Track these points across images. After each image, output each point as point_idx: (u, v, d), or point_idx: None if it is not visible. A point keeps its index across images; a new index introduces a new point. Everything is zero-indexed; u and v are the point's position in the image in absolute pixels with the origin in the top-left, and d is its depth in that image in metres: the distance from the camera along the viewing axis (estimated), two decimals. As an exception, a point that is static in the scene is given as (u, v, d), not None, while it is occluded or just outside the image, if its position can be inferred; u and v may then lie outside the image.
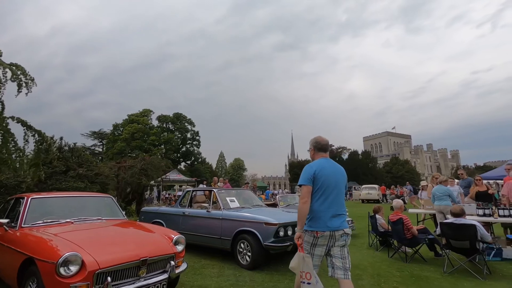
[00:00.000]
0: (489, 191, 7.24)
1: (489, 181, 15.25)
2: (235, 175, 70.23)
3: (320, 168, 2.75)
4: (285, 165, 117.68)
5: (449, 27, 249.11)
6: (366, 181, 42.57)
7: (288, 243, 4.62)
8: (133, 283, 2.81)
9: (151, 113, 49.62)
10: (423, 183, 10.11)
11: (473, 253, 4.48)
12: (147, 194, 24.93)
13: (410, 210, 7.88)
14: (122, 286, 2.74)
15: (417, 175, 62.90)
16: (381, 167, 66.82)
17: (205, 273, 4.56)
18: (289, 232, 4.79)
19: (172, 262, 3.18)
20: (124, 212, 4.60)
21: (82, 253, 2.63)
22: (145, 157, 13.37)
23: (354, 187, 31.96)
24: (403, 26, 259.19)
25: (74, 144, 12.40)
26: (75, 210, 4.01)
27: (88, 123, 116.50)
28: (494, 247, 5.29)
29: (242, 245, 4.90)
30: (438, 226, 5.05)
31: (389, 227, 5.85)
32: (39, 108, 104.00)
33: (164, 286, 3.06)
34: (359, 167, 55.16)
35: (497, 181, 13.83)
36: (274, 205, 8.58)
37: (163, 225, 6.04)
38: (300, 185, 2.76)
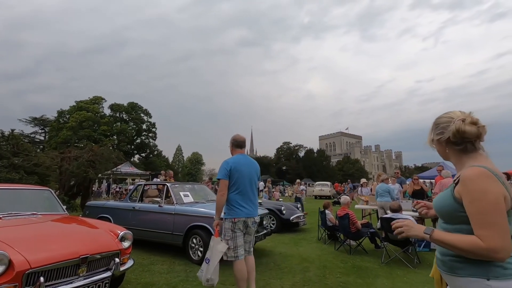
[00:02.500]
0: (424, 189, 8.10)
1: (425, 180, 17.05)
2: (192, 169, 68.80)
3: (236, 163, 3.14)
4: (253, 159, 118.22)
5: (399, 38, 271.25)
6: (320, 178, 44.67)
7: (241, 238, 4.67)
8: (71, 283, 2.61)
9: (103, 101, 46.28)
10: (362, 180, 10.94)
11: (407, 245, 4.97)
12: (95, 187, 23.31)
13: (356, 206, 8.46)
14: (58, 287, 2.53)
15: (366, 174, 67.69)
16: (334, 165, 70.60)
17: (154, 269, 4.41)
18: (242, 227, 4.83)
19: (117, 259, 3.02)
20: (65, 207, 4.24)
21: (10, 252, 2.37)
22: (94, 148, 12.43)
23: (309, 184, 33.32)
24: (359, 33, 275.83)
25: (12, 130, 11.05)
26: (5, 204, 3.59)
27: (28, 108, 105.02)
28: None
29: (194, 240, 4.83)
30: (379, 221, 5.52)
31: (337, 222, 6.22)
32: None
33: (107, 285, 2.89)
34: (314, 164, 57.67)
35: (431, 180, 15.52)
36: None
37: (110, 221, 5.70)
38: (218, 179, 3.13)
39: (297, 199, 12.30)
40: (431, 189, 12.31)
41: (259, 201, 8.89)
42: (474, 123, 1.24)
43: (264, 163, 61.98)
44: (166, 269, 4.44)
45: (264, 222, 5.67)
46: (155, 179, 10.36)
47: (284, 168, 59.55)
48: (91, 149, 12.13)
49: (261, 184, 32.59)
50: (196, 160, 71.63)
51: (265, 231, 5.39)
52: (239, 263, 3.03)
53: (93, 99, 45.03)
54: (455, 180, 1.24)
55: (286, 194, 29.60)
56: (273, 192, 16.64)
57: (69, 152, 11.77)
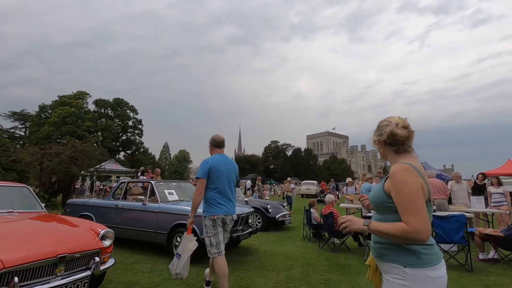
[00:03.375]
0: None
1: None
2: (179, 167, 68.05)
3: (215, 163, 3.23)
4: (232, 158, 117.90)
5: (386, 41, 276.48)
6: (307, 177, 45.06)
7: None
8: (48, 283, 2.52)
9: (87, 96, 45.11)
10: (348, 179, 11.11)
11: (388, 243, 5.09)
12: (78, 184, 22.72)
13: (341, 205, 8.58)
14: (33, 286, 2.45)
15: (352, 173, 68.82)
16: (321, 164, 71.40)
17: (137, 268, 4.34)
18: (227, 225, 4.82)
19: (97, 258, 2.95)
20: (43, 205, 4.11)
21: (-18, 251, 2.27)
22: (76, 144, 12.09)
23: (296, 183, 33.57)
24: (348, 34, 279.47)
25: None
26: (-21, 202, 3.45)
27: (7, 102, 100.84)
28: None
29: (178, 238, 4.77)
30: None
31: (321, 220, 6.29)
32: None
33: (86, 284, 2.82)
34: (301, 163, 58.13)
35: None
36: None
37: (92, 219, 5.57)
38: (197, 178, 3.22)
39: (287, 198, 12.38)
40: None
41: (245, 199, 8.92)
42: (405, 127, 1.39)
43: (252, 162, 61.98)
44: (149, 268, 4.38)
45: (250, 221, 5.67)
46: (141, 177, 10.21)
47: (271, 167, 59.72)
48: (74, 145, 11.81)
49: (248, 182, 32.68)
50: (183, 158, 70.87)
51: (250, 230, 5.39)
52: (221, 259, 3.10)
53: (77, 94, 43.78)
54: (386, 176, 1.41)
55: (273, 192, 29.70)
56: (263, 191, 16.73)
57: (50, 148, 11.39)
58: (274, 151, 67.60)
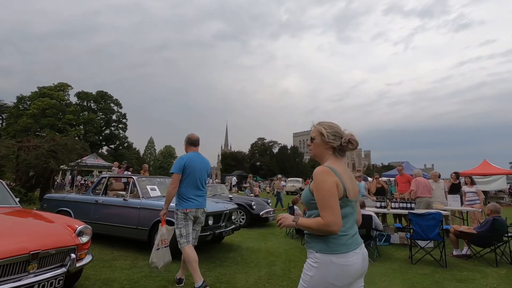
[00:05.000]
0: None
1: (389, 178, 17.98)
2: (164, 162, 67.06)
3: (189, 160, 3.47)
4: (218, 155, 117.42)
5: (372, 42, 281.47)
6: (293, 174, 45.50)
7: (208, 233, 4.62)
8: (19, 280, 2.44)
9: (69, 88, 43.68)
10: None
11: (368, 239, 5.20)
12: (58, 179, 22.01)
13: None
14: (3, 284, 2.35)
15: (336, 171, 69.81)
16: (307, 162, 72.14)
17: (116, 265, 4.26)
18: (210, 222, 4.80)
19: (73, 255, 2.87)
20: (18, 199, 3.95)
21: None
22: (56, 137, 11.69)
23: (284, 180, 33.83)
24: (335, 34, 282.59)
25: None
26: None
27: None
28: (384, 234, 6.24)
29: (160, 235, 4.71)
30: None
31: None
32: None
33: (61, 282, 2.74)
34: (287, 161, 58.58)
35: (390, 178, 16.45)
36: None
37: (70, 215, 5.42)
38: (172, 173, 3.44)
39: (278, 194, 12.44)
40: (392, 186, 13.01)
41: (229, 196, 8.91)
42: (355, 140, 1.57)
43: (238, 159, 61.94)
44: (129, 264, 4.31)
45: (233, 217, 5.67)
46: (125, 172, 10.03)
47: (258, 164, 59.87)
48: (53, 138, 11.41)
49: (234, 179, 32.59)
50: (169, 154, 69.84)
51: (233, 226, 5.39)
52: (189, 247, 3.36)
53: (58, 86, 42.31)
54: (311, 177, 1.55)
55: (262, 190, 29.81)
56: (253, 188, 16.91)
57: (27, 141, 10.97)
58: (261, 148, 67.74)
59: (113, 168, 10.66)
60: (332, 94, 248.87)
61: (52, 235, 2.92)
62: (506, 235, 5.06)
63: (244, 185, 34.73)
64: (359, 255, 1.48)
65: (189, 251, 3.33)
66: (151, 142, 73.39)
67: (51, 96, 39.55)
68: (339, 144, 1.56)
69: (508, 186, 21.37)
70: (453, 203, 7.28)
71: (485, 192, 14.66)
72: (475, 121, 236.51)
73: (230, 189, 26.39)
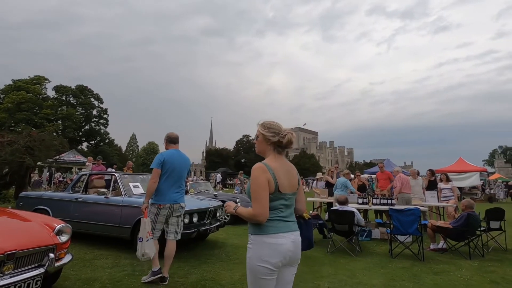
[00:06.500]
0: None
1: (371, 175, 18.46)
2: (147, 159, 65.80)
3: (169, 156, 3.58)
4: (203, 152, 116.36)
5: (356, 41, 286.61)
6: (277, 171, 45.65)
7: (193, 230, 4.60)
8: (-7, 282, 2.34)
9: (46, 81, 41.90)
10: (319, 175, 11.44)
11: (351, 235, 5.33)
12: (34, 176, 21.13)
13: (308, 199, 8.83)
14: (-24, 286, 2.25)
15: (320, 168, 70.98)
16: (291, 159, 72.79)
17: (97, 264, 4.15)
18: (194, 219, 4.77)
19: (51, 255, 2.77)
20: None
21: None
22: (32, 133, 11.21)
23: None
24: (321, 33, 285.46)
25: None
26: None
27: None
28: (366, 229, 6.41)
29: (143, 233, 4.64)
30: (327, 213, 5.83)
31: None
32: None
33: (39, 282, 2.65)
34: (272, 158, 58.74)
35: (371, 175, 16.92)
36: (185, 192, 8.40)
37: (48, 213, 5.23)
38: (151, 168, 3.55)
39: None
40: (373, 182, 13.36)
41: (214, 193, 8.87)
42: (294, 137, 1.75)
43: (223, 155, 61.68)
44: (111, 263, 4.21)
45: (218, 214, 5.65)
46: (109, 169, 9.76)
47: (243, 160, 59.84)
48: (29, 133, 10.92)
49: (218, 176, 32.44)
50: (152, 150, 68.69)
51: (218, 223, 5.38)
52: (156, 242, 3.51)
53: (34, 79, 40.50)
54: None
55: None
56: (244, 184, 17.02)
57: (1, 136, 10.44)
58: (246, 145, 67.67)
59: (87, 163, 10.28)
60: (318, 92, 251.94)
61: (28, 234, 2.81)
62: (479, 229, 5.33)
63: (229, 182, 34.71)
64: (289, 239, 1.65)
65: (154, 246, 3.48)
66: (133, 139, 71.88)
67: (27, 90, 37.82)
68: (277, 140, 1.72)
69: (481, 183, 22.46)
70: (431, 199, 7.59)
71: (460, 188, 15.36)
72: (452, 121, 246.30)
73: (215, 186, 26.27)
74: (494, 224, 5.59)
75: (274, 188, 1.63)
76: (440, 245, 5.47)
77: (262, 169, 1.64)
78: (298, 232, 1.75)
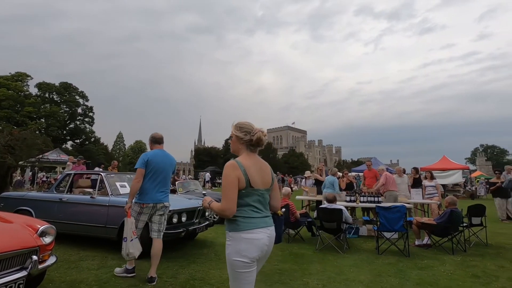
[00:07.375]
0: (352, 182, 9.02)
1: (358, 173, 18.77)
2: (135, 158, 64.69)
3: (153, 156, 3.62)
4: (191, 151, 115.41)
5: (344, 41, 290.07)
6: (266, 170, 45.75)
7: (181, 230, 4.56)
8: (-27, 286, 2.25)
9: (28, 78, 40.55)
10: (307, 173, 11.55)
11: (339, 232, 5.41)
12: (16, 176, 20.46)
13: (297, 197, 8.91)
14: (-46, 291, 2.16)
15: (309, 166, 71.59)
16: (280, 157, 73.12)
17: (83, 265, 4.06)
18: (183, 219, 4.73)
19: (35, 257, 2.69)
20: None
21: None
22: (14, 131, 10.85)
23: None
24: (310, 32, 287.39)
25: None
26: None
27: None
28: (353, 227, 6.52)
29: (130, 233, 4.56)
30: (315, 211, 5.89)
31: (278, 212, 6.47)
32: None
33: (21, 285, 2.57)
34: (261, 157, 58.90)
35: (358, 173, 17.24)
36: (173, 191, 8.33)
37: (31, 214, 5.08)
38: (136, 168, 3.57)
39: None
40: (360, 180, 13.61)
41: (203, 192, 8.81)
42: (265, 135, 1.84)
43: (212, 154, 61.32)
44: (97, 264, 4.13)
45: (207, 213, 5.62)
46: (96, 168, 9.55)
47: (232, 159, 59.56)
48: (10, 132, 10.58)
49: (207, 175, 32.24)
50: (139, 149, 67.52)
51: (207, 222, 5.35)
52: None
53: (15, 75, 39.13)
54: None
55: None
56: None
57: (-20, 135, 10.07)
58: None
59: (68, 163, 9.99)
60: (307, 91, 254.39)
61: (10, 236, 2.71)
62: (462, 225, 5.50)
63: (218, 181, 34.49)
64: (265, 234, 1.73)
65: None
66: (120, 137, 70.54)
67: (8, 87, 36.49)
68: (249, 139, 1.79)
69: (464, 180, 23.19)
70: (416, 196, 7.78)
71: (443, 186, 15.81)
72: (436, 120, 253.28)
73: (204, 185, 26.12)
74: (475, 220, 5.78)
75: (245, 184, 1.70)
76: (425, 241, 5.62)
77: (233, 167, 1.71)
78: (273, 227, 1.82)
